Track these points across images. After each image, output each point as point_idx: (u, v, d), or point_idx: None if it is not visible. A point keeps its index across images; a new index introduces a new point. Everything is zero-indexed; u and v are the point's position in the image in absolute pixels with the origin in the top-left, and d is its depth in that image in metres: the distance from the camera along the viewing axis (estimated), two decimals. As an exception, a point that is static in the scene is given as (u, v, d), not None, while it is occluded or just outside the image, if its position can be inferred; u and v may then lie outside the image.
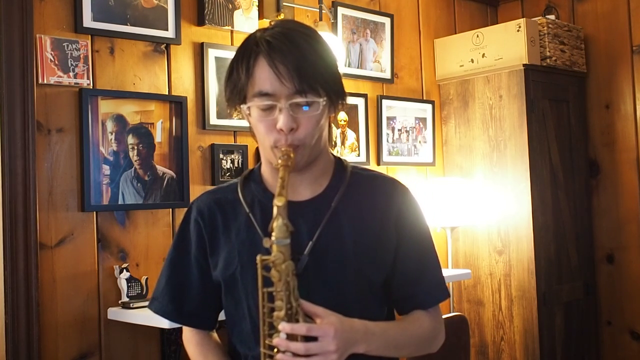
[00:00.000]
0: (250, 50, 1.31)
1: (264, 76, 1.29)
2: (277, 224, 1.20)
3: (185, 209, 1.51)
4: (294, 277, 1.21)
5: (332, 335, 1.20)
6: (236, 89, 1.34)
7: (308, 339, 1.21)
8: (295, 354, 1.19)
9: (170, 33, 2.86)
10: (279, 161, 1.27)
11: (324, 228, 1.35)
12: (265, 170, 1.43)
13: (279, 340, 1.20)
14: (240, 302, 1.39)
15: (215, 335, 1.51)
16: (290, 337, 1.20)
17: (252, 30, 3.03)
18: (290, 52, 1.28)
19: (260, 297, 1.23)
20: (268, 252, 1.22)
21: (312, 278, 1.32)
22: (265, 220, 1.34)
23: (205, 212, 1.43)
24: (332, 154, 1.47)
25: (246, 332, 1.39)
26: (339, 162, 1.46)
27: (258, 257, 1.22)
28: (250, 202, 1.40)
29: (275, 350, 1.22)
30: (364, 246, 1.37)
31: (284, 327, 1.20)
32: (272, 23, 1.38)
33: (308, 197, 1.39)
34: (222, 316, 1.50)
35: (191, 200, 1.51)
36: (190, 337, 1.49)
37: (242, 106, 1.34)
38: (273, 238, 1.21)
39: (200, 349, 1.47)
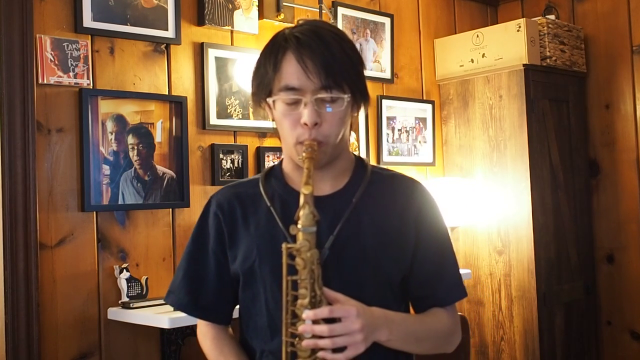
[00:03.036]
0: (278, 45, 1.34)
1: (291, 71, 1.31)
2: (304, 212, 1.21)
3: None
4: (319, 266, 1.22)
5: (354, 314, 1.22)
6: (262, 84, 1.36)
7: (331, 323, 1.21)
8: (320, 337, 1.20)
9: (170, 33, 2.86)
10: (304, 154, 1.28)
11: (344, 223, 1.36)
12: (287, 167, 1.45)
13: (304, 326, 1.21)
14: (258, 295, 1.39)
15: (230, 330, 1.51)
16: (315, 323, 1.21)
17: (252, 31, 3.09)
18: (318, 48, 1.30)
19: (284, 285, 1.24)
20: (292, 241, 1.24)
21: (332, 272, 1.32)
22: (285, 213, 1.37)
23: (225, 205, 1.44)
24: (353, 153, 1.49)
25: (262, 326, 1.39)
26: (359, 160, 1.48)
27: (283, 245, 1.23)
28: (271, 196, 1.42)
29: (297, 339, 1.22)
30: (383, 243, 1.38)
31: (307, 314, 1.20)
32: (300, 22, 1.40)
33: (328, 192, 1.40)
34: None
35: (211, 196, 1.52)
36: (205, 332, 1.49)
37: (267, 99, 1.36)
38: (299, 226, 1.21)
39: (217, 343, 1.47)
